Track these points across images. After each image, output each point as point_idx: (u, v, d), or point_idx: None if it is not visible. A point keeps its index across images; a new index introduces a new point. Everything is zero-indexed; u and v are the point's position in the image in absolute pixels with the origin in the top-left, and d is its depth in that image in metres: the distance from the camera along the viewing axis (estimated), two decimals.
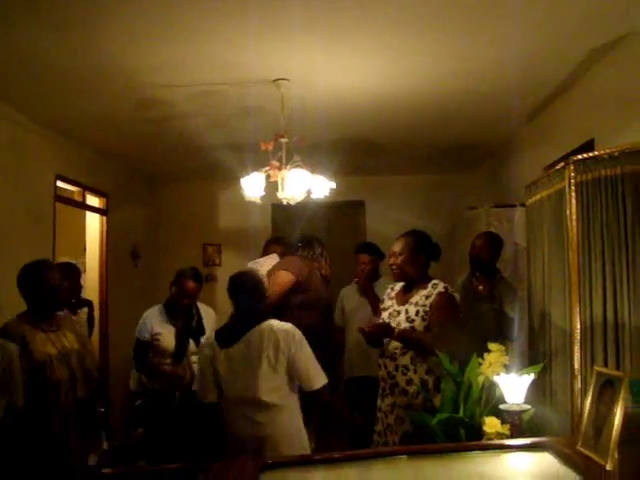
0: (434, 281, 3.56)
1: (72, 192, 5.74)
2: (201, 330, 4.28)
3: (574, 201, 2.91)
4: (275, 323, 3.12)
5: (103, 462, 3.38)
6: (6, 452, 2.77)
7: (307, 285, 4.13)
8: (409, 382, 3.43)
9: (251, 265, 4.49)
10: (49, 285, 3.11)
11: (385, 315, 3.61)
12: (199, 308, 4.40)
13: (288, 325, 3.14)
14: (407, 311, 3.51)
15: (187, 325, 4.20)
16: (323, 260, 4.39)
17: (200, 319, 4.32)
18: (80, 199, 5.81)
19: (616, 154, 2.77)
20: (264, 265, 4.30)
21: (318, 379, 3.10)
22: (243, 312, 3.18)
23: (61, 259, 5.49)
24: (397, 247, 3.60)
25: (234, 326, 3.20)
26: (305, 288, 4.11)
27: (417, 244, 3.59)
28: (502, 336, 3.81)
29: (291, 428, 3.11)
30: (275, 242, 4.95)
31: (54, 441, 2.99)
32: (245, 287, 3.16)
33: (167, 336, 4.10)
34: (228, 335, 3.16)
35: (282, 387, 3.06)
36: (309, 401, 3.28)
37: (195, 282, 4.20)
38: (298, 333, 3.11)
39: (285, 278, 4.04)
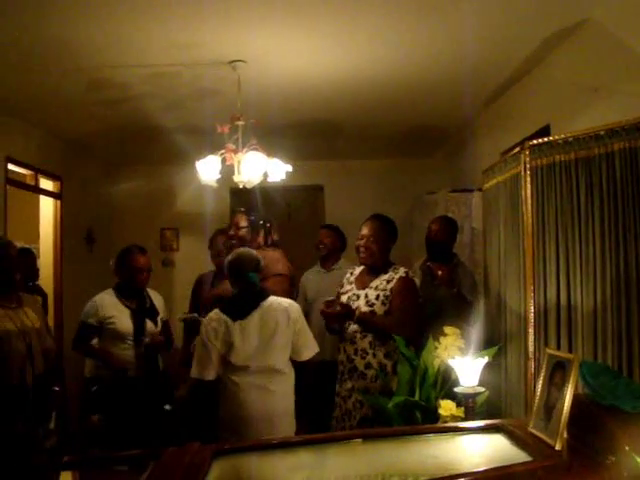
0: (394, 266, 3.59)
1: (24, 175, 5.58)
2: (155, 311, 4.22)
3: (529, 186, 2.94)
4: (280, 299, 3.38)
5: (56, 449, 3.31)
6: None
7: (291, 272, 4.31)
8: (368, 366, 3.45)
9: None
10: (6, 261, 3.08)
11: (344, 299, 3.61)
12: (147, 292, 4.34)
13: (290, 300, 3.46)
14: (367, 295, 3.52)
15: (142, 305, 4.13)
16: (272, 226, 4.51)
17: (151, 301, 4.25)
18: (33, 182, 5.65)
19: (570, 140, 2.80)
20: None
21: (313, 348, 3.38)
22: (251, 288, 3.33)
23: None
24: (366, 230, 3.60)
25: (243, 301, 3.33)
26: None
27: (387, 229, 3.62)
28: (460, 320, 3.84)
29: (291, 397, 3.32)
30: (221, 233, 4.92)
31: (5, 415, 2.95)
32: (251, 266, 3.34)
33: (122, 318, 4.02)
34: (239, 309, 3.28)
35: (288, 357, 3.32)
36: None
37: (144, 255, 4.13)
38: (298, 307, 3.43)
39: (285, 284, 4.14)
